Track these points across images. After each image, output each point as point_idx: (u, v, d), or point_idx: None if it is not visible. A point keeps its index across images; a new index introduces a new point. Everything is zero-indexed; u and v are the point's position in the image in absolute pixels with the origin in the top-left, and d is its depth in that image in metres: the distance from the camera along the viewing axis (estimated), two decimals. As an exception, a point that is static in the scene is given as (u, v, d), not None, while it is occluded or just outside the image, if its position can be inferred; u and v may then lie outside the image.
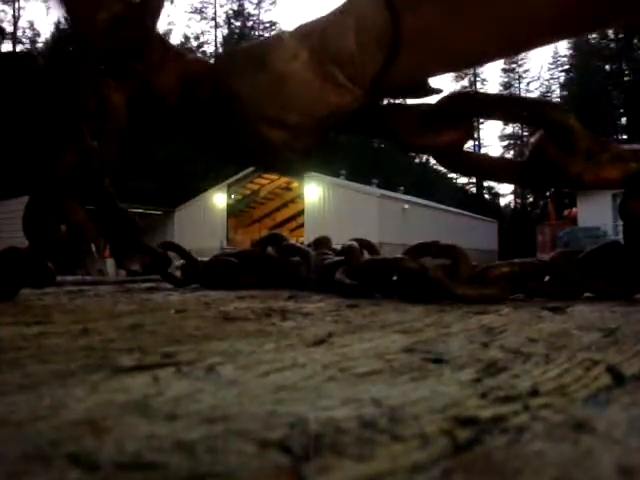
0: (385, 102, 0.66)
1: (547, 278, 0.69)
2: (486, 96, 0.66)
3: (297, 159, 0.65)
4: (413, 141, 0.65)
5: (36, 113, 0.60)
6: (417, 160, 31.23)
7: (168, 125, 0.69)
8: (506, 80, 32.50)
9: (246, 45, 0.66)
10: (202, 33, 31.92)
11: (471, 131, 0.66)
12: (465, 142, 0.66)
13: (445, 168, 0.70)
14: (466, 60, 0.65)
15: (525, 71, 33.09)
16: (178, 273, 0.91)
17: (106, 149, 0.62)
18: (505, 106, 0.65)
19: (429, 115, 0.64)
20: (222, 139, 0.66)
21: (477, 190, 31.95)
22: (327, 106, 0.59)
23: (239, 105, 0.61)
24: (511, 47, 0.62)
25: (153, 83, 0.63)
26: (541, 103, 0.65)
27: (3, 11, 28.02)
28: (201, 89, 0.63)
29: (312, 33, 0.59)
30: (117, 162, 0.65)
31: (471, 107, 0.65)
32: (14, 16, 28.08)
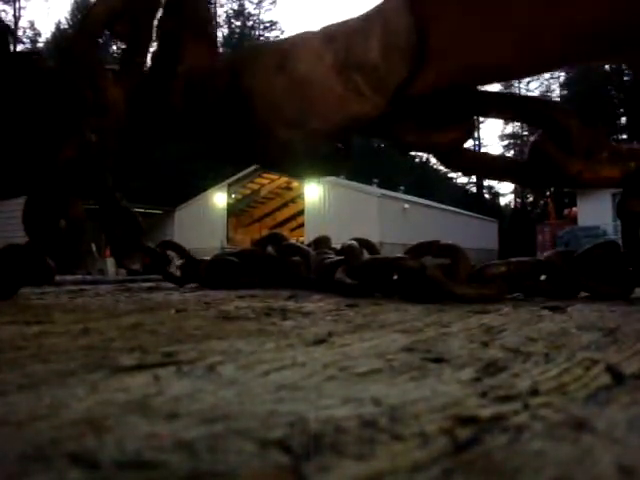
0: None
1: (543, 277, 0.69)
2: (487, 94, 0.66)
3: (309, 163, 0.65)
4: (413, 140, 0.65)
5: (37, 108, 0.60)
6: (417, 160, 31.22)
7: (174, 122, 0.68)
8: (506, 79, 32.43)
9: (270, 42, 0.66)
10: (202, 33, 31.83)
11: (472, 129, 0.66)
12: (466, 140, 0.66)
13: (445, 166, 0.70)
14: (493, 75, 0.62)
15: (525, 71, 32.98)
16: (178, 273, 0.91)
17: (105, 143, 0.62)
18: (506, 104, 0.65)
19: (429, 113, 0.64)
20: (232, 137, 0.65)
21: (477, 190, 31.93)
22: (347, 113, 0.58)
23: (257, 103, 0.60)
24: (541, 63, 0.60)
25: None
26: (542, 102, 0.65)
27: (4, 11, 28.01)
28: (216, 83, 0.63)
29: (338, 37, 0.58)
30: (117, 157, 0.65)
31: (472, 105, 0.64)
32: (15, 16, 28.08)
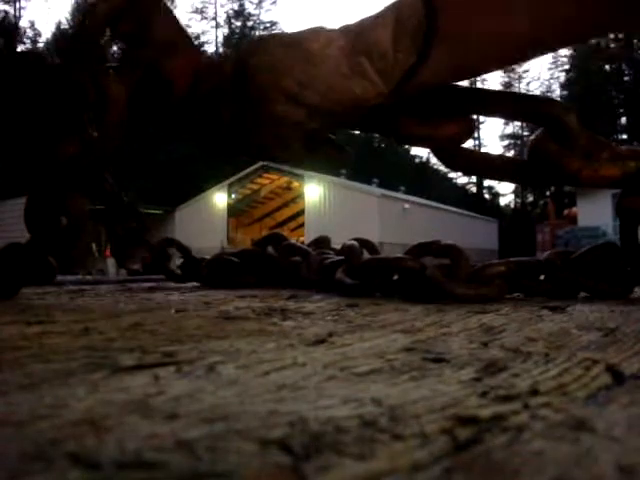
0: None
1: (543, 277, 0.69)
2: (486, 91, 0.66)
3: (304, 147, 0.64)
4: (412, 132, 0.65)
5: (39, 105, 0.60)
6: (417, 160, 31.22)
7: (175, 116, 0.67)
8: (506, 80, 32.46)
9: (280, 32, 0.66)
10: (203, 33, 31.88)
11: (472, 127, 0.65)
12: (466, 138, 0.66)
13: (444, 165, 0.70)
14: (499, 62, 0.63)
15: (525, 71, 33.04)
16: (178, 271, 0.92)
17: (106, 140, 0.62)
18: (505, 102, 0.65)
19: (429, 108, 0.64)
20: (232, 123, 0.64)
21: (477, 190, 31.93)
22: (349, 96, 0.58)
23: (260, 76, 0.60)
24: (543, 48, 0.60)
25: (165, 68, 0.62)
26: (541, 100, 0.65)
27: (4, 11, 28.01)
28: (220, 72, 0.63)
29: (352, 28, 0.59)
30: (118, 154, 0.65)
31: (472, 102, 0.64)
32: (15, 16, 28.10)
